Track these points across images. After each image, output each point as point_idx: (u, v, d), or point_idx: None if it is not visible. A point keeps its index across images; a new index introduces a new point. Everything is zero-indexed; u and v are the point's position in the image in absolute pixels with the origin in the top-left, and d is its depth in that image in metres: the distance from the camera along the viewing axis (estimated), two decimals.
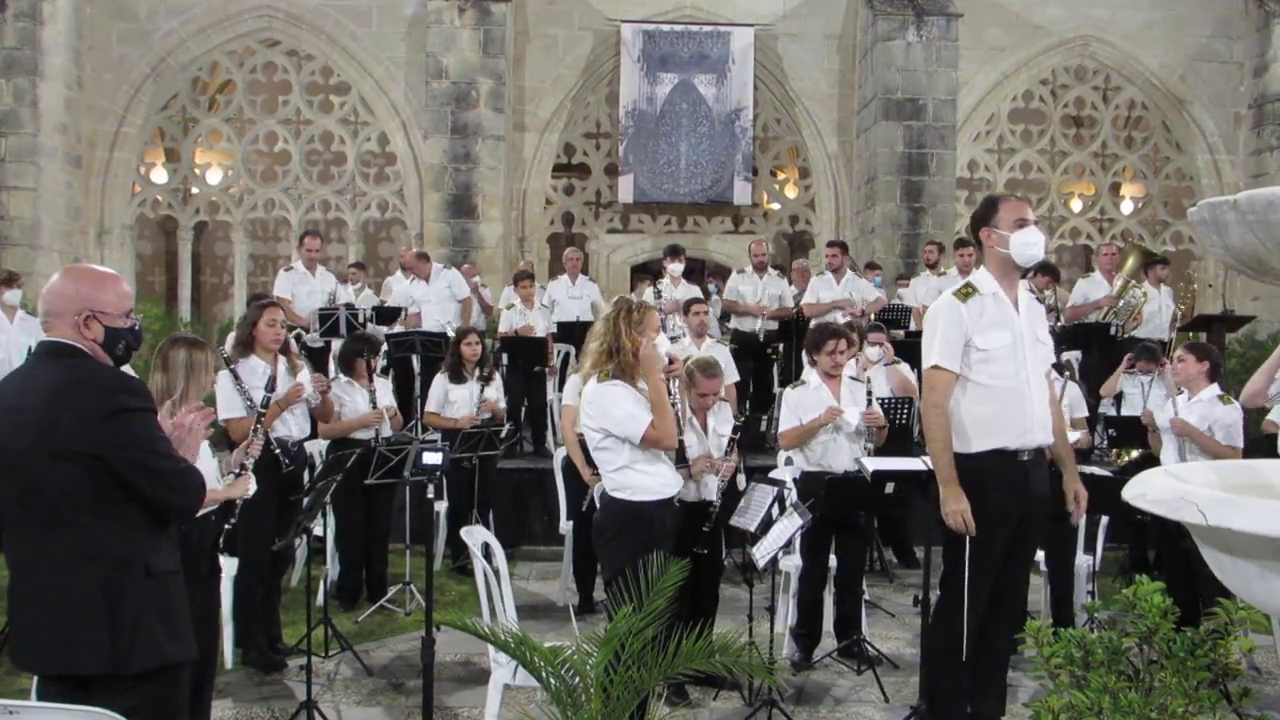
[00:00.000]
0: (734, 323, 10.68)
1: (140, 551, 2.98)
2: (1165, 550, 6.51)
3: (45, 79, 13.14)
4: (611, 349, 4.48)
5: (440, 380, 8.15)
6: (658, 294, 9.91)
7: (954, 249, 10.96)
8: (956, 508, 4.45)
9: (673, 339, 8.03)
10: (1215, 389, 6.52)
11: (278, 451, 6.12)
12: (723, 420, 5.89)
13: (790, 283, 11.77)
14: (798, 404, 6.19)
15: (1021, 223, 4.47)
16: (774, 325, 10.74)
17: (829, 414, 6.08)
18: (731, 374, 8.17)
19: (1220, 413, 6.42)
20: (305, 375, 6.39)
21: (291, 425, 6.31)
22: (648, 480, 4.47)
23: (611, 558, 4.48)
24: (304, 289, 10.20)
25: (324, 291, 10.29)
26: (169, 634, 3.01)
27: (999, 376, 4.45)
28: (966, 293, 4.56)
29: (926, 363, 4.58)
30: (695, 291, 10.05)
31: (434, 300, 10.58)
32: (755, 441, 9.31)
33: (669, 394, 4.69)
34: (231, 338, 8.98)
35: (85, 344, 3.03)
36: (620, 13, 14.89)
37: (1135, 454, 7.80)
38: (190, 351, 4.51)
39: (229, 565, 5.66)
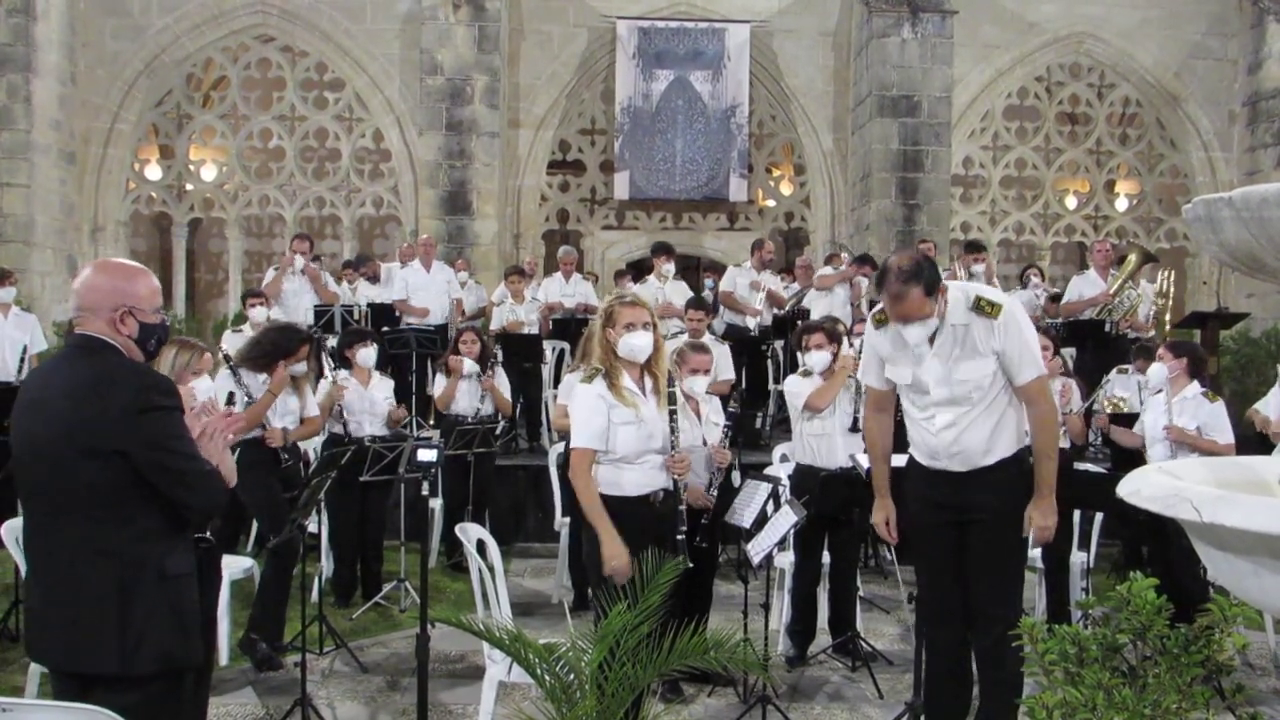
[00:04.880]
0: (727, 317, 10.64)
1: (156, 553, 2.96)
2: (1153, 547, 6.51)
3: (39, 75, 13.11)
4: (596, 347, 4.51)
5: (440, 378, 8.18)
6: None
7: (966, 252, 10.99)
8: (875, 519, 4.65)
9: (675, 335, 8.06)
10: (1197, 385, 6.57)
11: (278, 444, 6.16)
12: (714, 409, 5.89)
13: (794, 280, 11.77)
14: (811, 386, 6.21)
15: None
16: (763, 320, 10.69)
17: (844, 365, 6.14)
18: (728, 372, 8.17)
19: (1208, 410, 6.47)
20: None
21: (288, 421, 6.34)
22: (616, 475, 4.42)
23: (586, 546, 4.49)
24: (291, 287, 10.35)
25: (308, 288, 10.44)
26: (178, 637, 3.00)
27: (910, 404, 4.43)
28: (879, 319, 4.47)
29: None
30: (688, 290, 10.06)
31: (431, 289, 10.65)
32: (750, 438, 9.32)
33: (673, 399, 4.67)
34: (229, 336, 9.07)
35: (119, 340, 3.02)
36: (615, 9, 14.88)
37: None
38: (178, 352, 4.61)
39: (231, 564, 5.67)
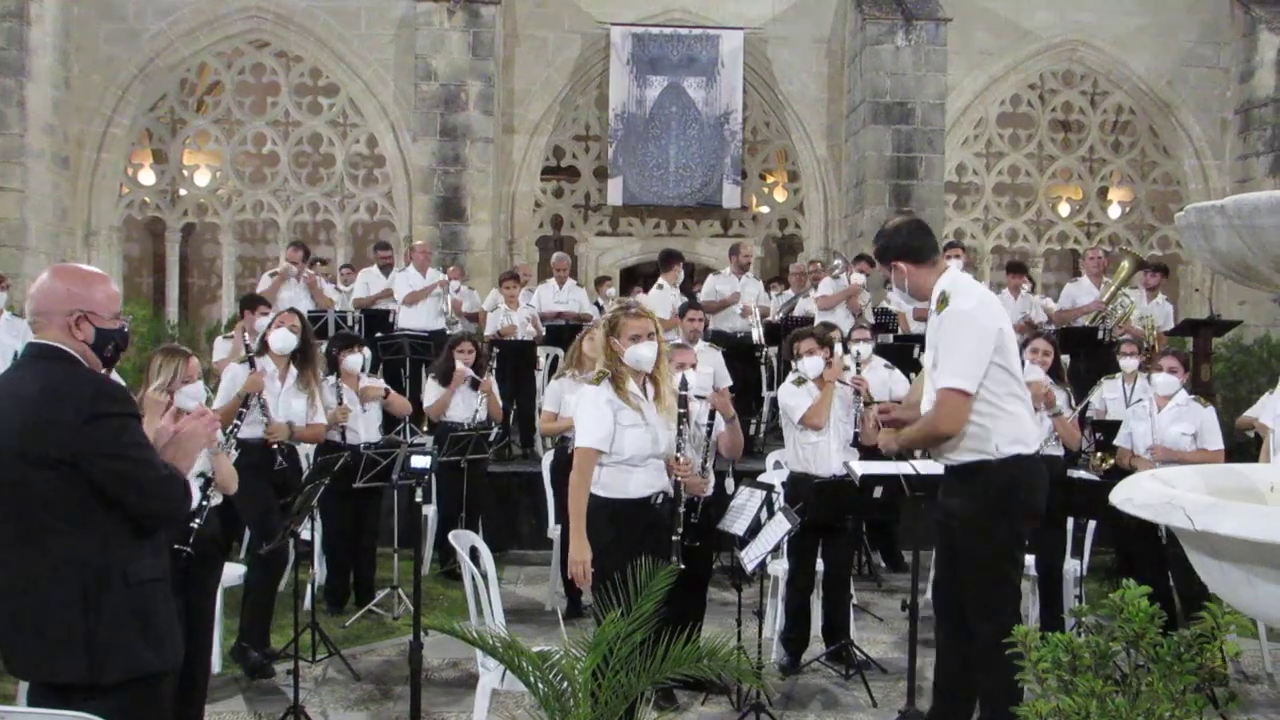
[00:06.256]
0: (713, 323, 10.63)
1: (118, 560, 2.94)
2: (1137, 550, 6.49)
3: (32, 80, 13.08)
4: (602, 353, 4.56)
5: (431, 384, 8.16)
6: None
7: (944, 249, 11.01)
8: None
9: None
10: (1185, 392, 6.66)
11: (274, 446, 6.16)
12: (704, 411, 5.88)
13: (787, 287, 11.77)
14: (806, 394, 6.21)
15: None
16: (750, 327, 10.68)
17: (832, 373, 6.18)
18: (724, 379, 8.16)
19: (1203, 415, 6.55)
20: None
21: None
22: (620, 477, 4.46)
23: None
24: (287, 293, 10.40)
25: (305, 294, 10.46)
26: (147, 644, 2.98)
27: None
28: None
29: None
30: (682, 297, 10.06)
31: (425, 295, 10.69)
32: (744, 446, 9.29)
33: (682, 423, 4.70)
34: (220, 343, 9.10)
35: (75, 346, 3.00)
36: (609, 15, 14.90)
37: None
38: (163, 359, 4.74)
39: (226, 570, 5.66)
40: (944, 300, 4.33)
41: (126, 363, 8.42)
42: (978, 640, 4.30)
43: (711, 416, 5.85)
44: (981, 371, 4.22)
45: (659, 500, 4.55)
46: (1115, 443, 6.88)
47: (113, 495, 2.91)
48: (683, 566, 4.45)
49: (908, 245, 4.44)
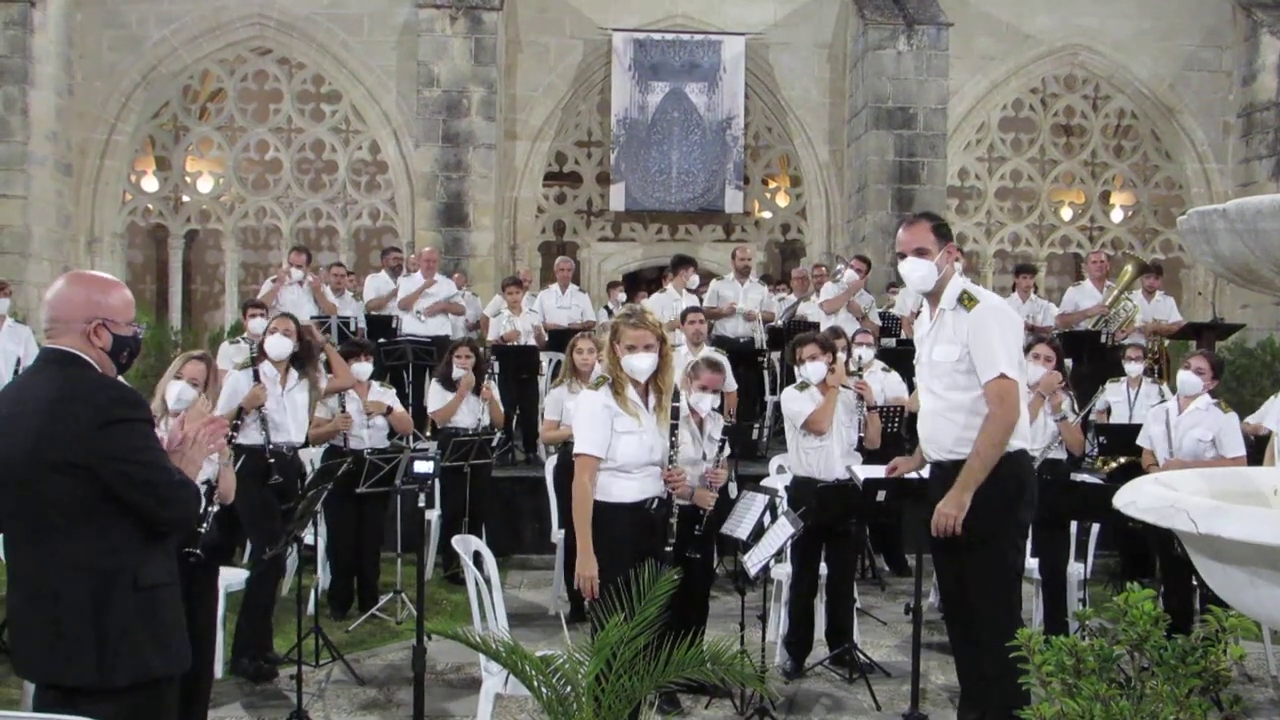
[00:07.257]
0: (716, 328, 10.63)
1: (129, 564, 2.95)
2: (1163, 557, 6.47)
3: (35, 87, 13.12)
4: (608, 360, 4.57)
5: (435, 389, 8.17)
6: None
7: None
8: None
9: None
10: (1208, 397, 6.56)
11: (272, 461, 6.16)
12: (716, 426, 5.91)
13: (789, 291, 11.77)
14: (809, 399, 6.22)
15: (901, 254, 4.60)
16: (752, 332, 10.68)
17: (835, 378, 6.19)
18: (730, 382, 8.17)
19: (1222, 420, 6.46)
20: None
21: (292, 432, 6.34)
22: (614, 482, 4.46)
23: None
24: (291, 298, 10.39)
25: (308, 299, 10.46)
26: (156, 648, 2.99)
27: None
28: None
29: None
30: (690, 299, 10.07)
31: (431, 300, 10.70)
32: (747, 450, 9.31)
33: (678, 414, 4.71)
34: (225, 348, 9.10)
35: (92, 353, 3.01)
36: (611, 21, 14.92)
37: (1122, 460, 7.78)
38: (174, 359, 4.80)
39: (226, 576, 5.66)
40: (970, 299, 4.45)
41: (131, 369, 8.41)
42: (983, 632, 4.31)
43: (725, 433, 5.87)
44: (1020, 358, 4.44)
45: (653, 505, 4.55)
46: (1138, 442, 6.82)
47: (127, 500, 2.92)
48: (677, 578, 4.45)
49: (948, 231, 4.64)
